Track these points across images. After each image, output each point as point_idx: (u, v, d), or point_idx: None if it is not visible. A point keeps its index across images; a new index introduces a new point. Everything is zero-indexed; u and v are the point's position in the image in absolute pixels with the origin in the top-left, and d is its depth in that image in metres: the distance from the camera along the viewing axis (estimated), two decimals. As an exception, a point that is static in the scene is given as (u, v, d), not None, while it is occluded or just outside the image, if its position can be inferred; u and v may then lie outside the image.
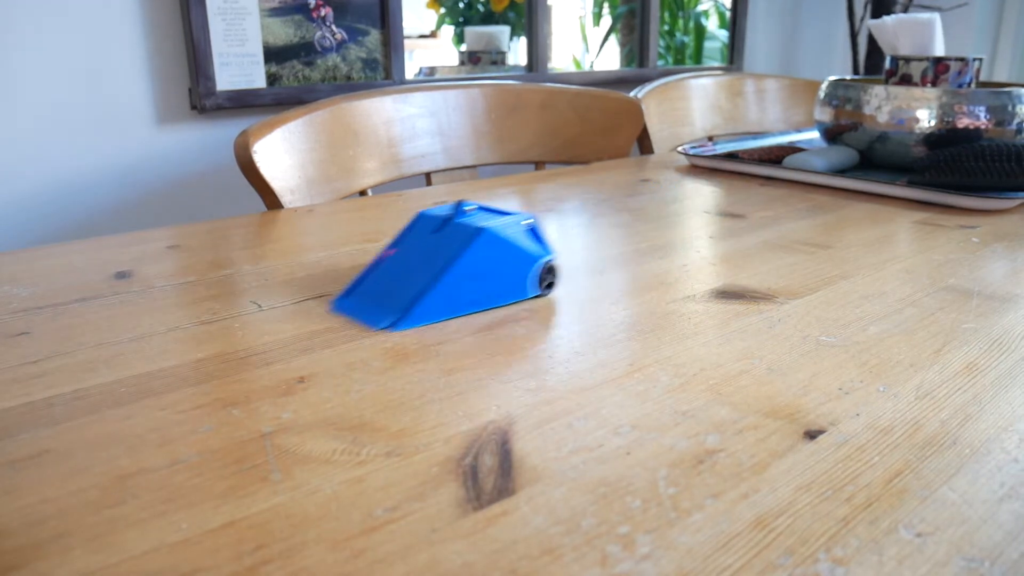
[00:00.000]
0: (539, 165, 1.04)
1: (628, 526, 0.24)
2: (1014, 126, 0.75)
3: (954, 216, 0.65)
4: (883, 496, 0.26)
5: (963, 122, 0.75)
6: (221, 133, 1.44)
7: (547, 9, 1.90)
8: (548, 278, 0.44)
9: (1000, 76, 2.53)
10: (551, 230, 0.60)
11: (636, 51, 2.20)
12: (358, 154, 0.85)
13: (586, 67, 2.26)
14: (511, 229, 0.43)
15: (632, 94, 1.13)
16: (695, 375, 0.35)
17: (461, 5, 1.89)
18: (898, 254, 0.54)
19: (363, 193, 0.85)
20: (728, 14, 2.39)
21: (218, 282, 0.48)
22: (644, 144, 1.13)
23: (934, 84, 0.82)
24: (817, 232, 0.60)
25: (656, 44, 2.17)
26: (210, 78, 1.36)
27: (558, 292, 0.46)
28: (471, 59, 1.92)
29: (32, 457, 0.28)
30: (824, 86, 0.86)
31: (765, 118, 1.37)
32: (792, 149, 0.85)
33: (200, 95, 1.36)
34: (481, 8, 1.91)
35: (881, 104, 0.79)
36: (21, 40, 1.22)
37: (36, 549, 0.23)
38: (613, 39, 2.26)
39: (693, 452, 0.29)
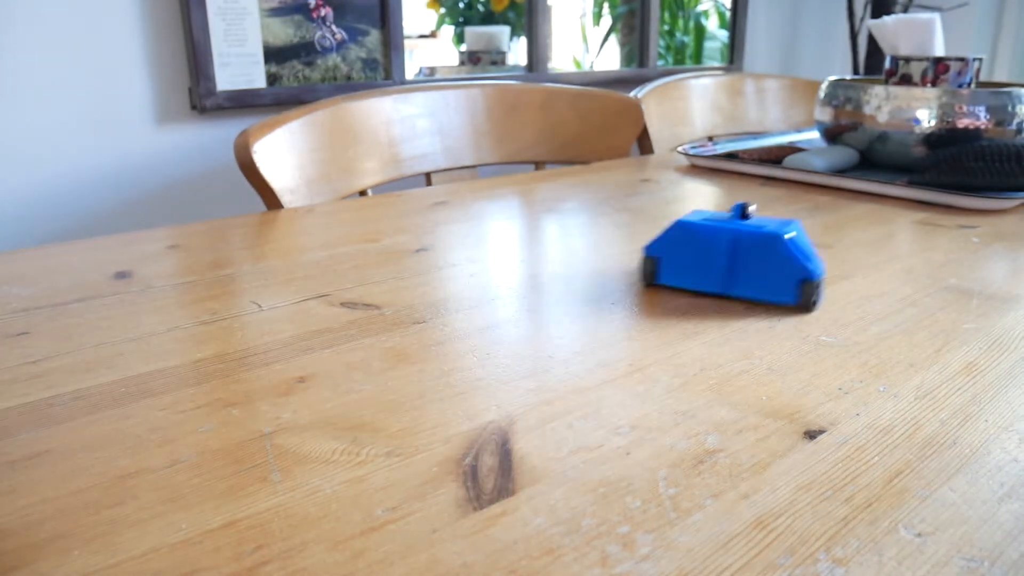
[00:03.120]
0: (539, 165, 1.04)
1: (628, 526, 0.24)
2: (1014, 126, 0.75)
3: (954, 216, 0.65)
4: (883, 496, 0.26)
5: (963, 122, 0.75)
6: (221, 133, 1.44)
7: (547, 9, 1.90)
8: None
9: (1000, 76, 2.53)
10: (551, 230, 0.60)
11: (636, 51, 2.20)
12: (358, 154, 0.85)
13: (586, 67, 2.26)
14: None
15: (632, 94, 1.13)
16: (695, 375, 0.35)
17: (461, 5, 1.89)
18: (898, 254, 0.54)
19: (363, 193, 0.85)
20: (728, 14, 2.39)
21: (218, 282, 0.48)
22: (644, 144, 1.13)
23: (934, 84, 0.82)
24: (817, 232, 0.60)
25: (656, 44, 2.17)
26: (210, 78, 1.36)
27: (558, 291, 0.46)
28: (471, 59, 1.92)
29: (32, 457, 0.28)
30: (824, 86, 0.86)
31: (765, 118, 1.37)
32: (792, 149, 0.85)
33: (200, 95, 1.36)
34: (481, 8, 1.91)
35: (881, 104, 0.79)
36: (21, 40, 1.22)
37: (36, 549, 0.23)
38: (613, 39, 2.26)
39: (693, 452, 0.29)
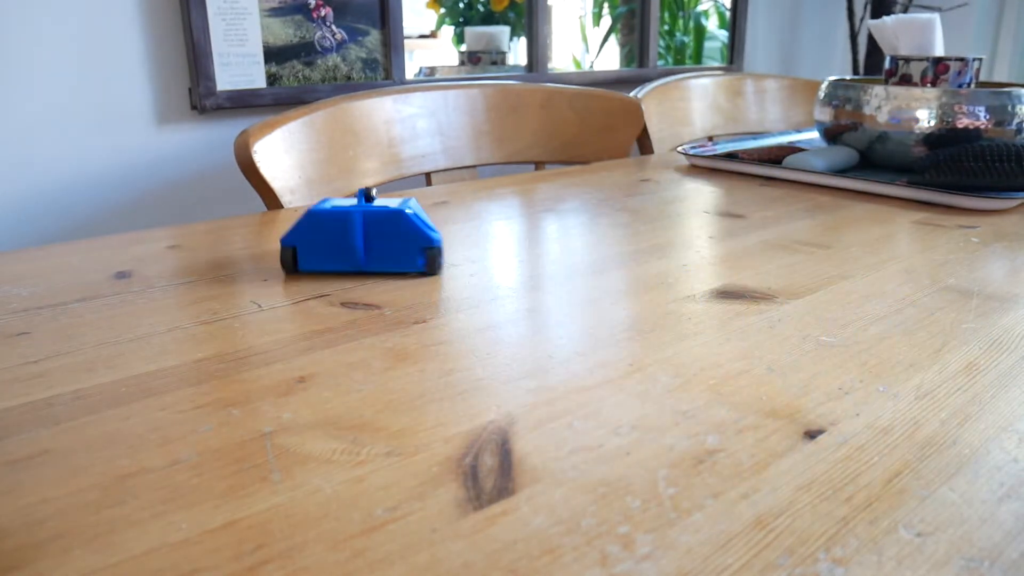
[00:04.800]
0: (539, 165, 1.04)
1: (628, 526, 0.24)
2: (1014, 126, 0.75)
3: (954, 216, 0.65)
4: (883, 496, 0.26)
5: (963, 122, 0.75)
6: (221, 133, 1.44)
7: (547, 9, 1.90)
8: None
9: (1000, 76, 2.53)
10: (551, 230, 0.60)
11: (636, 51, 2.20)
12: (358, 154, 0.85)
13: (586, 67, 2.26)
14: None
15: (632, 94, 1.13)
16: (695, 375, 0.35)
17: (461, 5, 1.89)
18: (898, 254, 0.54)
19: (363, 193, 0.85)
20: (728, 14, 2.39)
21: (218, 282, 0.48)
22: (644, 144, 1.13)
23: (934, 84, 0.82)
24: (817, 232, 0.60)
25: (656, 44, 2.17)
26: (210, 78, 1.36)
27: (558, 291, 0.46)
28: (471, 59, 1.92)
29: (32, 457, 0.28)
30: (824, 86, 0.86)
31: (765, 118, 1.37)
32: (792, 149, 0.85)
33: (200, 95, 1.36)
34: (481, 8, 1.91)
35: (881, 104, 0.79)
36: (21, 40, 1.22)
37: (36, 549, 0.23)
38: (613, 39, 2.26)
39: (693, 452, 0.29)
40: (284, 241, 0.49)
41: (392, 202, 0.50)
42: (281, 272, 0.50)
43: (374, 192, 0.50)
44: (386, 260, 0.49)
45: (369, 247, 0.49)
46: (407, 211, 0.48)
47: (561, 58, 2.21)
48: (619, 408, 0.32)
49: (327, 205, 0.49)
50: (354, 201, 0.50)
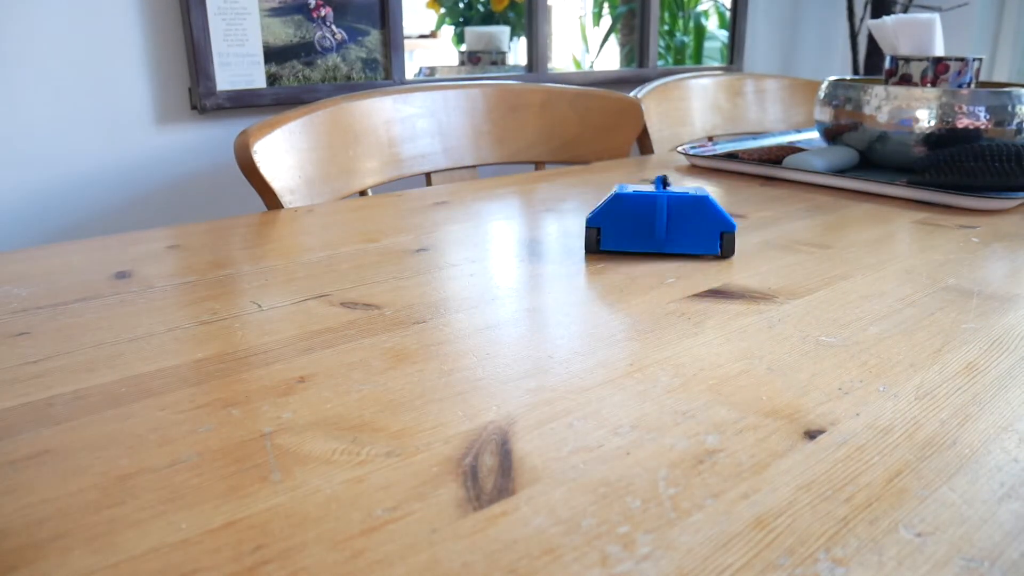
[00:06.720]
0: (539, 165, 1.04)
1: (628, 526, 0.24)
2: (1014, 126, 0.75)
3: (954, 216, 0.65)
4: (883, 496, 0.26)
5: (963, 122, 0.75)
6: (221, 133, 1.44)
7: (547, 9, 1.90)
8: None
9: (1000, 76, 2.53)
10: (551, 230, 0.60)
11: (636, 51, 2.20)
12: (358, 154, 0.85)
13: (586, 67, 2.26)
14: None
15: (632, 94, 1.13)
16: (695, 375, 0.35)
17: (461, 5, 1.89)
18: (898, 254, 0.54)
19: (363, 193, 0.85)
20: (728, 14, 2.39)
21: (218, 282, 0.48)
22: (644, 144, 1.13)
23: (934, 84, 0.82)
24: (817, 232, 0.60)
25: (656, 44, 2.17)
26: (210, 78, 1.36)
27: (558, 291, 0.46)
28: (471, 59, 1.92)
29: (32, 457, 0.28)
30: (824, 86, 0.86)
31: (765, 118, 1.37)
32: (792, 149, 0.85)
33: (200, 95, 1.36)
34: (481, 8, 1.91)
35: (881, 104, 0.79)
36: (21, 40, 1.22)
37: (36, 549, 0.23)
38: (613, 39, 2.26)
39: (693, 452, 0.29)
40: (590, 222, 0.52)
41: (691, 190, 0.53)
42: (281, 272, 0.50)
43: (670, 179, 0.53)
44: (685, 242, 0.52)
45: (671, 230, 0.52)
46: (709, 197, 0.51)
47: (561, 58, 2.21)
48: (619, 408, 0.32)
49: (631, 189, 0.52)
50: (651, 187, 0.54)
